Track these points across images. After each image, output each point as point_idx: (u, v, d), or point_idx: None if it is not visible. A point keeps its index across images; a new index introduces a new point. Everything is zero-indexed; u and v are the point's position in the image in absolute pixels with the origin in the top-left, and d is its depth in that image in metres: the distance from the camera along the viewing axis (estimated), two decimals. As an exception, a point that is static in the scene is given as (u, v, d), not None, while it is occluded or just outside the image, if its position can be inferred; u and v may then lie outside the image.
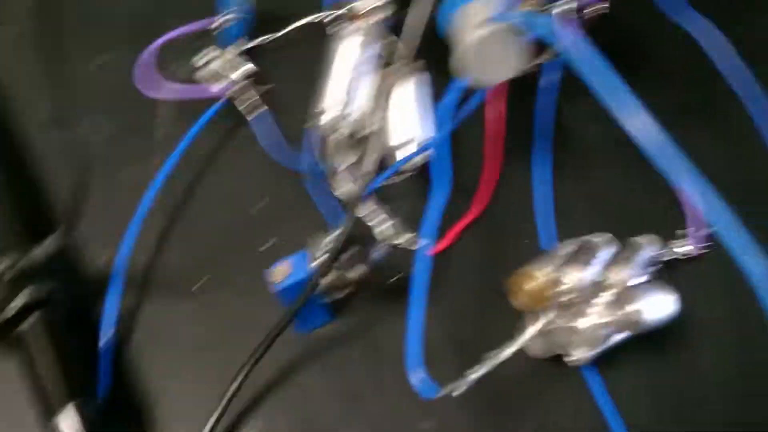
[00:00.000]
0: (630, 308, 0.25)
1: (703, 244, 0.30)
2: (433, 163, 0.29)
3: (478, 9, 0.25)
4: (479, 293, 0.30)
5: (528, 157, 0.33)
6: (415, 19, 0.22)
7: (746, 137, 0.32)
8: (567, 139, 0.33)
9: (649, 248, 0.27)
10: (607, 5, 0.29)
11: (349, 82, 0.29)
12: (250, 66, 0.33)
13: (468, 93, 0.30)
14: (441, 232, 0.31)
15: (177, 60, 0.33)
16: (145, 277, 0.31)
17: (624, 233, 0.30)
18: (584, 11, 0.29)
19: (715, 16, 0.33)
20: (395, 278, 0.28)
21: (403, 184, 0.31)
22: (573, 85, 0.32)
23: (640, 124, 0.20)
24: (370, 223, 0.30)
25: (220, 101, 0.33)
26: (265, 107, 0.33)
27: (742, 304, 0.30)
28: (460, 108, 0.30)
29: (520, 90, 0.33)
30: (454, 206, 0.31)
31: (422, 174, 0.32)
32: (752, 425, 0.28)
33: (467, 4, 0.25)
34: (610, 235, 0.27)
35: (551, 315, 0.25)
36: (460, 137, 0.33)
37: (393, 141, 0.30)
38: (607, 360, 0.28)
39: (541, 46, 0.31)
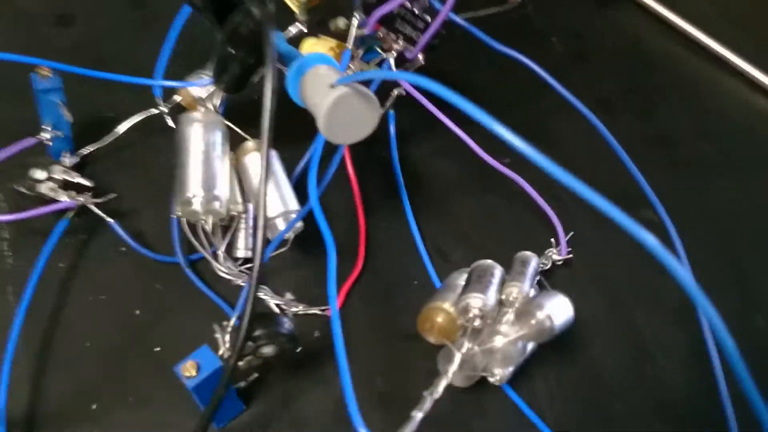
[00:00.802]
0: (541, 315, 0.26)
1: (568, 248, 0.33)
2: (319, 228, 0.29)
3: (322, 73, 0.26)
4: (387, 342, 0.30)
5: (395, 204, 0.34)
6: (267, 100, 0.23)
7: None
8: (420, 180, 0.35)
9: (535, 260, 0.29)
10: (421, 58, 0.32)
11: (205, 166, 0.29)
12: (86, 181, 0.31)
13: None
14: (318, 298, 0.31)
15: (13, 180, 0.31)
16: (34, 413, 0.27)
17: (494, 253, 0.32)
18: (406, 64, 0.32)
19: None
20: (299, 348, 0.28)
21: (285, 254, 0.31)
22: (411, 130, 0.35)
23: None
24: (266, 298, 0.30)
25: (65, 217, 0.31)
26: (109, 219, 0.31)
27: (612, 295, 0.33)
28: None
29: (371, 143, 0.35)
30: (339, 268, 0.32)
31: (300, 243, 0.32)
32: (653, 409, 0.30)
33: (313, 69, 0.26)
34: (490, 261, 0.29)
35: (467, 343, 0.26)
36: (327, 201, 0.34)
37: (269, 213, 0.29)
38: (520, 378, 0.29)
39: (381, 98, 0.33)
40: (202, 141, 0.29)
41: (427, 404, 0.23)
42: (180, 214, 0.28)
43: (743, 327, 0.32)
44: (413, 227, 0.33)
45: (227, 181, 0.29)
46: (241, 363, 0.25)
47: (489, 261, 0.28)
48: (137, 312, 0.30)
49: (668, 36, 0.42)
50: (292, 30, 0.33)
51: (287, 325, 0.25)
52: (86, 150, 0.33)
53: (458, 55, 0.38)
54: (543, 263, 0.32)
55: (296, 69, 0.27)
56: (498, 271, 0.28)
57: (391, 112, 0.34)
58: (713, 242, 0.35)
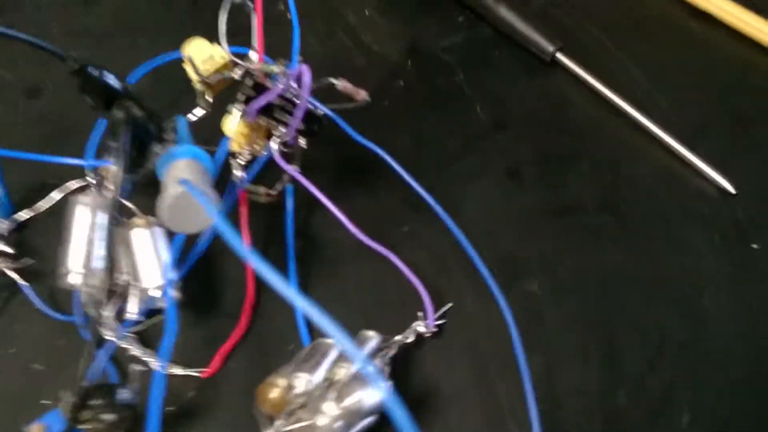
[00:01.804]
0: (350, 401, 0.28)
1: (436, 323, 0.35)
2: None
3: (179, 169, 0.29)
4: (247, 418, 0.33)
5: (284, 272, 0.37)
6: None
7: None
8: (310, 253, 0.38)
9: (374, 340, 0.31)
10: (303, 142, 0.34)
11: (88, 240, 0.33)
12: (7, 249, 0.36)
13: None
14: (209, 358, 0.34)
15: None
16: None
17: (373, 322, 0.35)
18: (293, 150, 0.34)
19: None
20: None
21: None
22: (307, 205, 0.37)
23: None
24: (149, 360, 0.33)
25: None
26: (26, 283, 0.36)
27: (479, 367, 0.34)
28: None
29: (270, 210, 0.38)
30: (222, 331, 0.35)
31: (194, 305, 0.35)
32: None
33: (175, 162, 0.30)
34: (329, 340, 0.31)
35: (283, 420, 0.29)
36: (220, 264, 0.37)
37: (144, 285, 0.33)
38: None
39: (280, 170, 0.36)
40: (85, 220, 0.33)
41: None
42: (61, 285, 0.33)
43: (606, 402, 0.33)
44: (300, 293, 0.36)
45: (107, 254, 0.33)
46: (86, 428, 0.29)
47: (327, 340, 0.31)
48: (36, 366, 0.34)
49: (595, 104, 0.42)
50: (198, 113, 0.36)
51: (125, 394, 0.29)
52: (22, 216, 0.38)
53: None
54: (405, 337, 0.34)
55: (166, 157, 0.31)
56: (334, 350, 0.30)
57: (290, 186, 0.37)
58: (589, 313, 0.36)
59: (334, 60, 0.45)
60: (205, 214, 0.29)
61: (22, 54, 0.45)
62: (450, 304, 0.36)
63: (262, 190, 0.37)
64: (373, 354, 0.32)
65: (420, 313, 0.35)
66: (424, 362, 0.34)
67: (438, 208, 0.37)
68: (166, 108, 0.37)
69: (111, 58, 0.44)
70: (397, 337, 0.34)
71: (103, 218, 0.33)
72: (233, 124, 0.34)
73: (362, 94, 0.33)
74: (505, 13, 0.45)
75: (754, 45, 0.44)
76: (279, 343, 0.35)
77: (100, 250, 0.32)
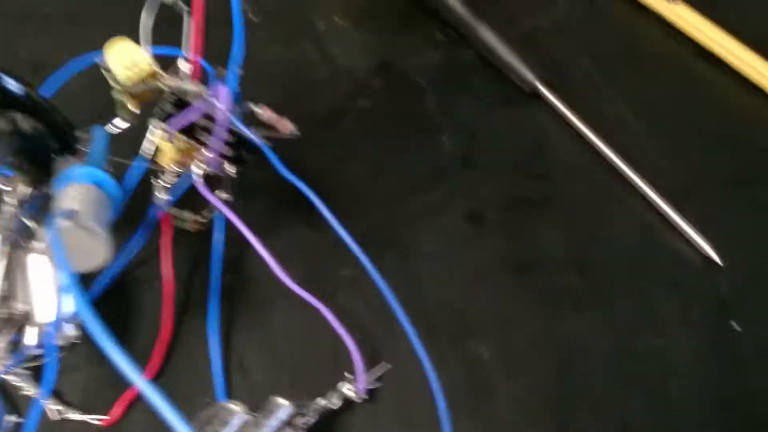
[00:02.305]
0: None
1: (368, 387, 0.31)
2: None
3: (70, 195, 0.25)
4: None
5: (203, 314, 0.32)
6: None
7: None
8: (238, 291, 0.33)
9: (284, 410, 0.27)
10: (233, 169, 0.30)
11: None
12: None
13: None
14: (112, 402, 0.30)
15: None
16: None
17: (299, 378, 0.31)
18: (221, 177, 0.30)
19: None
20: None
21: (83, 350, 0.30)
22: (239, 236, 0.33)
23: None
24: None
25: None
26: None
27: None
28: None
29: (192, 246, 0.34)
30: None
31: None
32: None
33: (68, 185, 0.26)
34: (233, 406, 0.27)
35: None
36: (136, 292, 0.33)
37: (41, 318, 0.29)
38: None
39: (204, 202, 0.32)
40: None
41: None
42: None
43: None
44: (213, 339, 0.32)
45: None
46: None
47: (231, 406, 0.27)
48: None
49: (575, 146, 0.38)
50: (119, 125, 0.32)
51: None
52: None
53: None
54: (329, 402, 0.30)
55: (61, 178, 0.26)
56: (237, 419, 0.26)
57: (219, 214, 0.33)
58: (544, 388, 0.32)
59: (294, 69, 0.41)
60: (93, 251, 0.25)
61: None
62: (387, 366, 0.32)
63: (188, 216, 0.33)
64: (286, 423, 0.27)
65: (349, 375, 0.31)
66: (353, 427, 0.30)
67: (364, 259, 0.32)
68: (100, 114, 0.32)
69: (51, 47, 0.40)
70: (321, 402, 0.30)
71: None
72: (150, 140, 0.30)
73: (288, 127, 0.29)
74: (487, 35, 0.40)
75: (764, 95, 0.40)
76: (192, 392, 0.31)
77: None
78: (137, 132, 0.32)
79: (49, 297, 0.29)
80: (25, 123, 0.27)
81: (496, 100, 0.40)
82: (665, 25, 0.42)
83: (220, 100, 0.27)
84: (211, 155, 0.30)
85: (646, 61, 0.41)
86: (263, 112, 0.29)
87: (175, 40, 0.32)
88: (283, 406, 0.27)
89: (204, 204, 0.33)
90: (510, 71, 0.40)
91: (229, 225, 0.33)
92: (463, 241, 0.35)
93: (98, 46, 0.36)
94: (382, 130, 0.39)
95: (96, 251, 0.25)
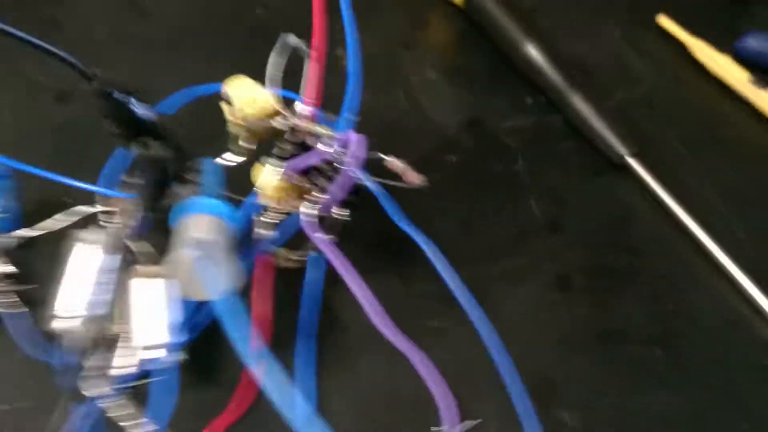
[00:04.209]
0: None
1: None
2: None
3: (195, 225, 0.25)
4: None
5: (292, 351, 0.33)
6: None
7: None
8: (332, 331, 0.34)
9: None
10: (347, 212, 0.31)
11: (88, 284, 0.29)
12: (10, 267, 0.33)
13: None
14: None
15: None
16: None
17: (385, 422, 0.31)
18: (325, 219, 0.31)
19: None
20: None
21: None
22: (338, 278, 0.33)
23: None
24: (121, 423, 0.29)
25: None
26: (23, 308, 0.32)
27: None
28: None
29: (287, 283, 0.34)
30: (218, 403, 0.31)
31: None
32: None
33: (190, 216, 0.26)
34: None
35: None
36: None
37: (139, 342, 0.29)
38: None
39: (303, 239, 0.32)
40: (86, 259, 0.29)
41: None
42: (47, 328, 0.29)
43: None
44: (310, 379, 0.32)
45: (108, 302, 0.30)
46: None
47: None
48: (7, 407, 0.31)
49: (662, 221, 0.38)
50: (230, 158, 0.33)
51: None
52: (21, 234, 0.35)
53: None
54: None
55: (179, 208, 0.27)
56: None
57: (316, 255, 0.33)
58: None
59: (387, 118, 0.42)
60: (221, 281, 0.25)
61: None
62: (478, 420, 0.31)
63: (283, 253, 0.33)
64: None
65: (435, 429, 0.31)
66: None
67: (473, 311, 0.32)
68: (203, 143, 0.33)
69: (153, 75, 0.41)
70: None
71: (107, 260, 0.30)
72: (266, 178, 0.31)
73: (416, 178, 0.29)
74: (579, 104, 0.41)
75: None
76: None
77: (100, 296, 0.29)
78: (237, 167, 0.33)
79: (150, 322, 0.30)
80: (155, 148, 0.28)
81: (583, 167, 0.40)
82: (752, 109, 0.43)
83: (351, 148, 0.28)
84: (322, 200, 0.30)
85: (733, 143, 0.42)
86: (393, 162, 0.30)
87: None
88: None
89: (300, 242, 0.33)
90: (599, 141, 0.40)
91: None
92: (548, 306, 0.36)
93: (197, 75, 0.38)
94: (470, 187, 0.39)
95: (218, 281, 0.25)
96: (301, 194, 0.32)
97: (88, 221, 0.34)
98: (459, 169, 0.40)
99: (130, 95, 0.28)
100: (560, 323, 0.35)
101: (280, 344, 0.33)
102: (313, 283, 0.34)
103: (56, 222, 0.35)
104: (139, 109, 0.28)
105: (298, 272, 0.34)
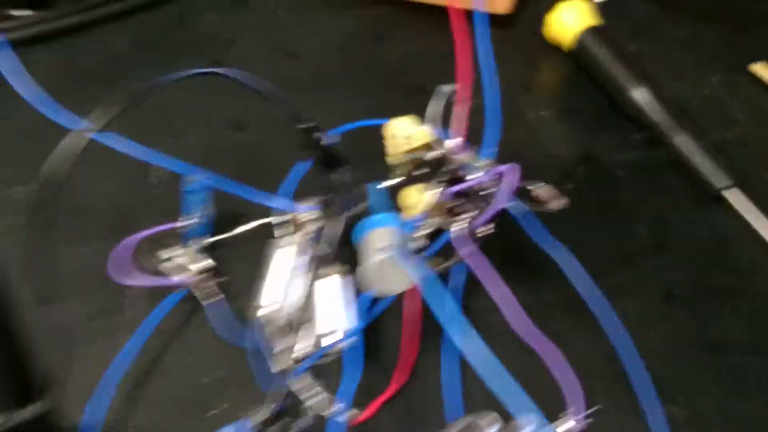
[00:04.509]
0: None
1: (581, 424, 0.36)
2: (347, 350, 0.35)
3: (379, 236, 0.32)
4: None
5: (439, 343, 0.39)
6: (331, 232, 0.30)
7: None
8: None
9: (528, 428, 0.33)
10: (492, 227, 0.37)
11: (284, 281, 0.36)
12: (208, 261, 0.40)
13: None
14: (362, 406, 0.37)
15: (147, 253, 0.40)
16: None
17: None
18: (475, 232, 0.37)
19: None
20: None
21: (330, 364, 0.37)
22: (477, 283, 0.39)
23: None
24: (302, 397, 0.36)
25: (181, 290, 0.40)
26: (221, 295, 0.40)
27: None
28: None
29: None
30: (375, 384, 0.37)
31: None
32: None
33: (372, 231, 0.33)
34: (495, 414, 0.33)
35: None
36: (383, 324, 0.40)
37: (320, 330, 0.36)
38: None
39: (450, 250, 0.39)
40: (281, 262, 0.36)
41: None
42: (253, 316, 0.36)
43: None
44: (454, 368, 0.38)
45: (299, 297, 0.36)
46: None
47: (487, 417, 0.33)
48: (207, 379, 0.38)
49: (759, 247, 0.43)
50: (386, 183, 0.40)
51: (304, 424, 0.32)
52: (215, 238, 0.42)
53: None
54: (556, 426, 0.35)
55: (361, 225, 0.34)
56: (489, 429, 0.32)
57: (458, 265, 0.40)
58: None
59: (512, 151, 0.47)
60: (402, 279, 0.32)
61: (230, 90, 0.50)
62: (599, 406, 0.37)
63: (433, 261, 0.40)
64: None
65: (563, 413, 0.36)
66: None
67: (605, 314, 0.38)
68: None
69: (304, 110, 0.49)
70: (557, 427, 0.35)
71: (299, 261, 0.36)
72: (426, 199, 0.37)
73: (560, 203, 0.35)
74: (680, 141, 0.47)
75: None
76: (426, 408, 0.37)
77: (296, 291, 0.36)
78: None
79: (329, 312, 0.36)
80: (347, 175, 0.35)
81: (686, 197, 0.46)
82: None
83: (507, 177, 0.34)
84: (474, 220, 0.37)
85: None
86: (539, 190, 0.36)
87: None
88: (529, 426, 0.33)
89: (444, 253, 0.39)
90: (698, 174, 0.46)
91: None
92: (655, 317, 0.41)
93: (345, 112, 0.44)
94: (584, 212, 0.45)
95: (401, 281, 0.32)
96: (443, 212, 0.38)
97: (267, 228, 0.42)
98: (575, 195, 0.46)
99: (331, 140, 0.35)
100: (665, 332, 0.40)
101: (428, 337, 0.39)
102: (456, 289, 0.40)
103: (240, 230, 0.42)
104: (329, 140, 0.35)
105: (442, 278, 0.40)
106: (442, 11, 0.48)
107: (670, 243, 0.44)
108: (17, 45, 0.51)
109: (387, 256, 0.31)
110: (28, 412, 0.33)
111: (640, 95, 0.48)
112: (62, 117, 0.44)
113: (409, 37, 0.55)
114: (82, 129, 0.30)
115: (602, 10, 0.54)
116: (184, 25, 0.56)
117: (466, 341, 0.26)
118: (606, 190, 0.46)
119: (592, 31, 0.51)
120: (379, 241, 0.32)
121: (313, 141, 0.34)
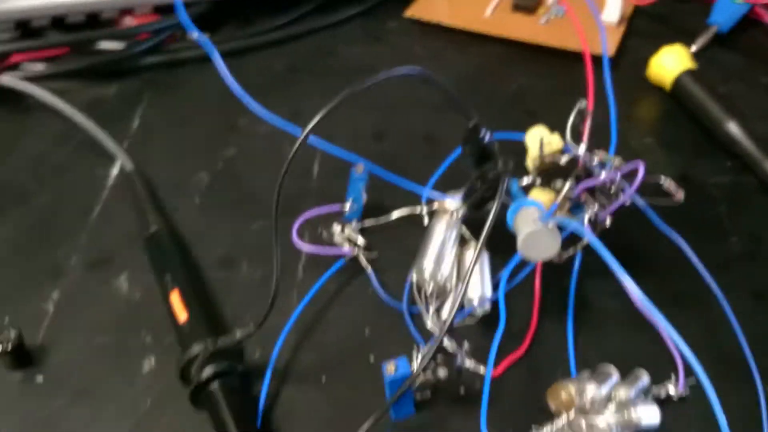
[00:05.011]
0: (634, 415, 0.36)
1: (687, 390, 0.42)
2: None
3: (531, 212, 0.40)
4: (525, 408, 0.41)
5: (562, 317, 0.45)
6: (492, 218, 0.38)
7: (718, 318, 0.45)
8: (590, 311, 0.46)
9: (646, 378, 0.39)
10: (609, 222, 0.44)
11: (438, 250, 0.43)
12: (361, 240, 0.48)
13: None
14: (497, 362, 0.43)
15: (315, 227, 0.48)
16: (287, 370, 0.43)
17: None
18: (598, 224, 0.44)
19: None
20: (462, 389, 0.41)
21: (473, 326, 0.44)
22: (596, 268, 0.46)
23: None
24: (450, 350, 0.43)
25: (342, 260, 0.48)
26: (370, 268, 0.47)
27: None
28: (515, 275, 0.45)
29: (558, 271, 0.47)
30: (508, 344, 0.44)
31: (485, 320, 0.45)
32: None
33: (524, 208, 0.41)
34: (613, 366, 0.40)
35: (572, 414, 0.37)
36: (518, 295, 0.46)
37: (469, 294, 0.43)
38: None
39: (574, 239, 0.45)
40: (441, 233, 0.44)
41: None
42: (414, 277, 0.43)
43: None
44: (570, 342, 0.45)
45: (450, 264, 0.44)
46: (420, 378, 0.38)
47: (611, 367, 0.39)
48: (367, 331, 0.45)
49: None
50: (526, 180, 0.47)
51: (458, 364, 0.38)
52: (368, 223, 0.50)
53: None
54: (655, 392, 0.41)
55: (516, 205, 0.41)
56: (616, 375, 0.39)
57: (579, 252, 0.47)
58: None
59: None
60: (549, 248, 0.39)
61: (372, 101, 0.58)
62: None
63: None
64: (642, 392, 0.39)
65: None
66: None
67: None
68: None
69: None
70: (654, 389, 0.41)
71: (450, 235, 0.44)
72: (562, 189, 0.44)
73: (680, 195, 0.42)
74: (769, 168, 0.53)
75: None
76: (550, 366, 0.43)
77: (447, 259, 0.43)
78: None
79: (478, 281, 0.44)
80: (510, 164, 0.42)
81: (774, 216, 0.52)
82: None
83: (638, 175, 0.41)
84: (601, 211, 0.44)
85: None
86: (667, 182, 0.43)
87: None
88: (645, 375, 0.39)
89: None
90: (785, 198, 0.52)
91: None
92: (745, 314, 0.46)
93: None
94: (682, 227, 0.51)
95: (550, 247, 0.39)
96: (566, 208, 0.45)
97: (408, 218, 0.49)
98: (671, 211, 0.52)
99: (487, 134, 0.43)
100: (755, 325, 0.46)
101: (549, 315, 0.46)
102: (578, 273, 0.47)
103: (390, 217, 0.50)
104: (487, 138, 0.43)
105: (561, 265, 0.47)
106: (551, 52, 0.59)
107: (762, 253, 0.50)
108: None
109: (537, 227, 0.39)
110: (238, 333, 0.40)
111: (733, 127, 0.55)
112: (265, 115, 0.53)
113: (524, 70, 0.64)
114: (301, 136, 0.38)
115: (696, 56, 0.61)
116: (332, 54, 0.66)
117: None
118: (702, 207, 0.52)
119: (690, 73, 0.59)
120: (532, 215, 0.40)
121: (477, 137, 0.42)
